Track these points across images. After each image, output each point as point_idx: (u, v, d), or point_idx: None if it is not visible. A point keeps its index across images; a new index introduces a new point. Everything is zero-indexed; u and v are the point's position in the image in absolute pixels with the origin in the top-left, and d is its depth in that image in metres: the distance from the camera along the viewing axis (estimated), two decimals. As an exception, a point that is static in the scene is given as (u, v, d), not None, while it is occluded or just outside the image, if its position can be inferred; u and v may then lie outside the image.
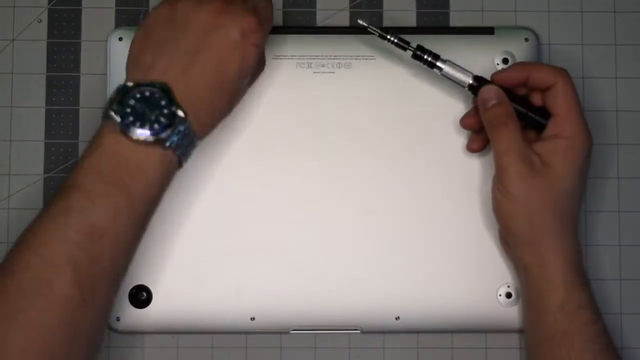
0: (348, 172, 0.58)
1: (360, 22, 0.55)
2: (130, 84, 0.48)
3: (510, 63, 0.59)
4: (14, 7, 0.61)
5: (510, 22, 0.61)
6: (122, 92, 0.48)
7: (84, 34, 0.61)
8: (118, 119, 0.47)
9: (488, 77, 0.55)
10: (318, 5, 0.61)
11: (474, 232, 0.58)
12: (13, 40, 0.61)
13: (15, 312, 0.45)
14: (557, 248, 0.52)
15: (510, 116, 0.53)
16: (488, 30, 0.59)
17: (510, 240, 0.55)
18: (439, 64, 0.55)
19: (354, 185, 0.58)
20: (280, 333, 0.59)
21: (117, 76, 0.58)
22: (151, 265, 0.57)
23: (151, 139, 0.47)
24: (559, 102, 0.53)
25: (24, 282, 0.45)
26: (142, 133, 0.47)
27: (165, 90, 0.48)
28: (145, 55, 0.50)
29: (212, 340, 0.59)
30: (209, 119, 0.51)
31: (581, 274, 0.53)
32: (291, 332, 0.58)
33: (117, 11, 0.61)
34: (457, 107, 0.58)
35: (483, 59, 0.59)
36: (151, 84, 0.48)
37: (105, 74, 0.59)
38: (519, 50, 0.59)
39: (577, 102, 0.53)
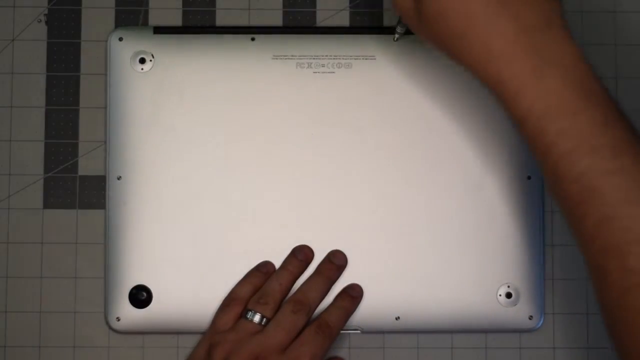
0: (348, 172, 0.58)
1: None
2: None
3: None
4: (14, 7, 0.61)
5: (510, 22, 0.61)
6: None
7: (84, 34, 0.61)
8: None
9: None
10: (318, 5, 0.61)
11: (473, 232, 0.58)
12: (13, 40, 0.60)
13: None
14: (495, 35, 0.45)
15: None
16: (488, 30, 0.59)
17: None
18: None
19: (354, 185, 0.58)
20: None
21: (117, 76, 0.58)
22: (151, 265, 0.57)
23: None
24: None
25: None
26: None
27: None
28: None
29: (212, 340, 0.59)
30: None
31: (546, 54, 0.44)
32: (291, 332, 0.58)
33: (117, 11, 0.61)
34: (457, 107, 0.58)
35: (483, 59, 0.59)
36: None
37: (105, 74, 0.59)
38: (519, 50, 0.59)
39: None
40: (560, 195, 0.44)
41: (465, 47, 0.46)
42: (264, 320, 0.54)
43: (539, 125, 0.44)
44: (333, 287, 0.57)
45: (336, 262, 0.57)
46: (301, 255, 0.57)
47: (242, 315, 0.55)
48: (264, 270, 0.57)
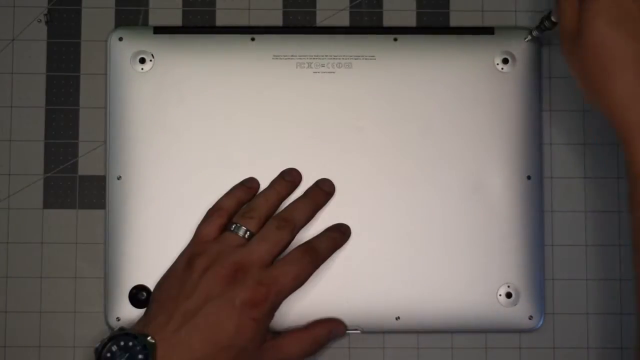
0: (348, 172, 0.58)
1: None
2: (117, 330, 0.51)
3: (510, 63, 0.59)
4: (14, 7, 0.61)
5: (510, 22, 0.61)
6: (111, 336, 0.50)
7: (84, 34, 0.61)
8: None
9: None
10: (318, 5, 0.61)
11: (474, 232, 0.58)
12: (13, 40, 0.61)
13: None
14: None
15: None
16: (488, 30, 0.60)
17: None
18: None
19: (354, 186, 0.58)
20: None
21: (117, 76, 0.58)
22: (151, 265, 0.57)
23: None
24: None
25: None
26: None
27: (148, 348, 0.49)
28: (153, 305, 0.53)
29: (212, 340, 0.59)
30: None
31: None
32: (291, 332, 0.58)
33: (117, 11, 0.61)
34: (457, 107, 0.58)
35: (483, 59, 0.59)
36: (135, 336, 0.50)
37: (105, 74, 0.59)
38: (519, 50, 0.59)
39: None
40: None
41: (609, 87, 0.48)
42: (248, 234, 0.54)
43: None
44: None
45: (325, 188, 0.57)
46: (289, 177, 0.57)
47: (226, 228, 0.54)
48: (249, 185, 0.57)
